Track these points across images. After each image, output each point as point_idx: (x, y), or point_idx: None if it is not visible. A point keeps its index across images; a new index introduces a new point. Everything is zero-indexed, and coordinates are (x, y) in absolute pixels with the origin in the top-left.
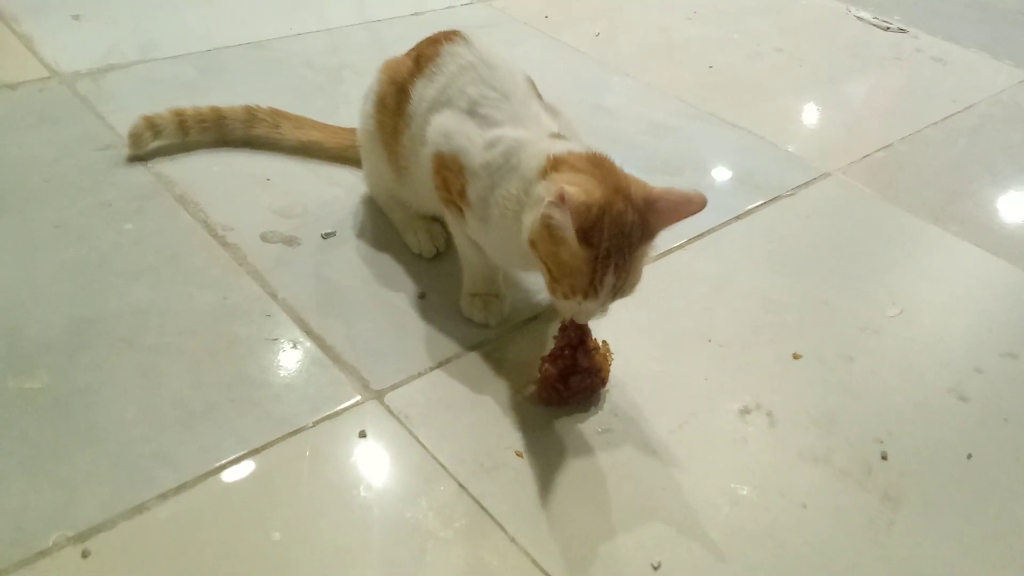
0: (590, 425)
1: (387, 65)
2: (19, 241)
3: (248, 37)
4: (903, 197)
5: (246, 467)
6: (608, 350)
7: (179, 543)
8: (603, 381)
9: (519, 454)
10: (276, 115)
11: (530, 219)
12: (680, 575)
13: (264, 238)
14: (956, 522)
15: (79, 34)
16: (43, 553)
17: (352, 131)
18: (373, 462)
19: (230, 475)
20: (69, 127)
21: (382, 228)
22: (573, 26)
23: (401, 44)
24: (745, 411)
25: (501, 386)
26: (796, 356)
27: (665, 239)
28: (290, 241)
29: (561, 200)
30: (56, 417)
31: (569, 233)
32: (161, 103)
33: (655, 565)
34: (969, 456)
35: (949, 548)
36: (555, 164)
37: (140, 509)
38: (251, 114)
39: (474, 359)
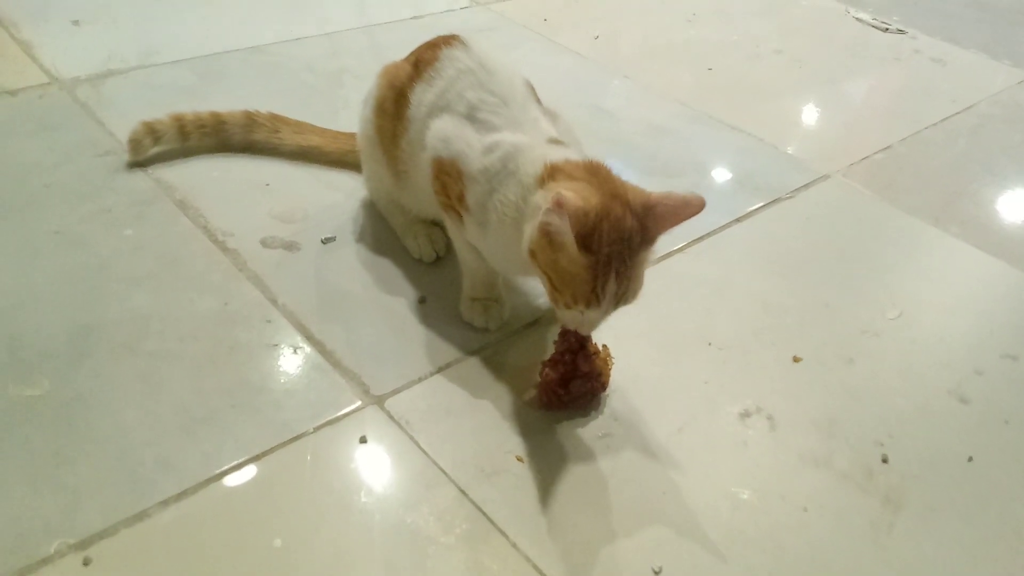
0: (590, 430)
1: (386, 70)
2: (19, 247)
3: (248, 42)
4: (903, 198)
5: (247, 473)
6: (608, 354)
7: (180, 550)
8: (603, 386)
9: (520, 459)
10: (276, 120)
11: (529, 229)
12: None
13: (264, 243)
14: (957, 525)
15: (79, 39)
16: (45, 560)
17: (352, 136)
18: (374, 468)
19: (231, 481)
20: (69, 133)
21: (382, 233)
22: (572, 29)
23: (400, 48)
24: (745, 414)
25: (501, 391)
26: (796, 359)
27: (665, 242)
28: (290, 246)
29: (559, 206)
30: (57, 424)
31: (568, 239)
32: (161, 108)
33: (656, 570)
34: (970, 459)
35: (950, 551)
36: (552, 173)
37: (141, 516)
38: (251, 119)
39: (474, 364)
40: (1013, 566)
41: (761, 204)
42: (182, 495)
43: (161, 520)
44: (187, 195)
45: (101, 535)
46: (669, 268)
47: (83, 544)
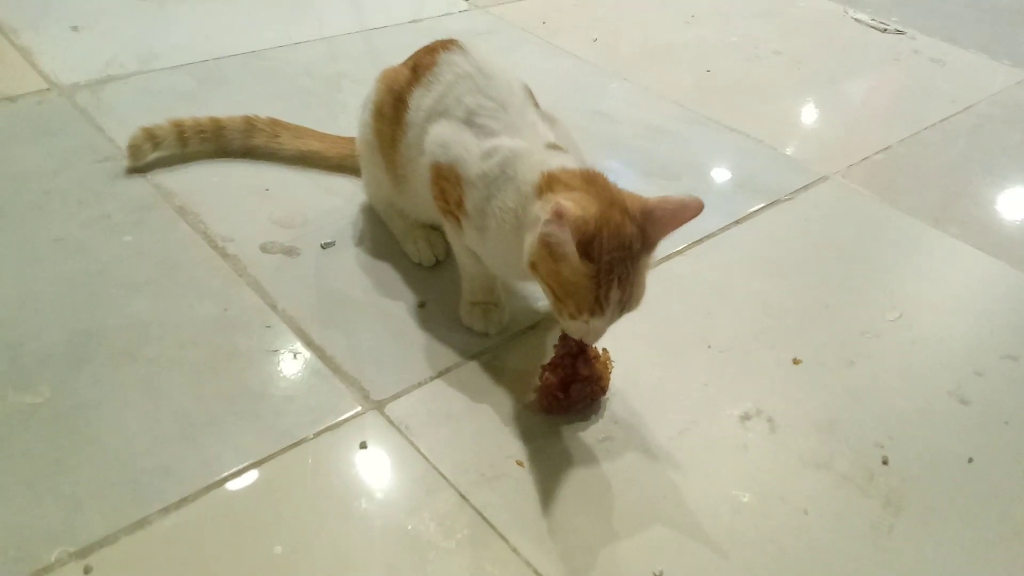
0: (591, 433)
1: (385, 74)
2: (19, 254)
3: (246, 47)
4: (902, 199)
5: (248, 480)
6: (608, 358)
7: (181, 557)
8: (603, 389)
9: (520, 463)
10: (275, 125)
11: (529, 240)
12: None
13: (264, 248)
14: (958, 526)
15: (78, 45)
16: (45, 569)
17: (351, 140)
18: (374, 473)
19: (232, 488)
20: (68, 139)
21: (381, 237)
22: (570, 31)
23: (399, 52)
24: (746, 417)
25: (501, 395)
26: (796, 361)
27: (664, 244)
28: (290, 251)
29: (558, 217)
30: (58, 432)
31: (569, 248)
32: (160, 114)
33: (657, 573)
34: (970, 460)
35: (951, 553)
36: (549, 182)
37: (142, 524)
38: (250, 124)
39: (474, 368)
40: (1014, 567)
41: (760, 206)
42: (183, 502)
43: (162, 527)
44: (187, 201)
45: (102, 543)
46: (669, 270)
47: (84, 552)
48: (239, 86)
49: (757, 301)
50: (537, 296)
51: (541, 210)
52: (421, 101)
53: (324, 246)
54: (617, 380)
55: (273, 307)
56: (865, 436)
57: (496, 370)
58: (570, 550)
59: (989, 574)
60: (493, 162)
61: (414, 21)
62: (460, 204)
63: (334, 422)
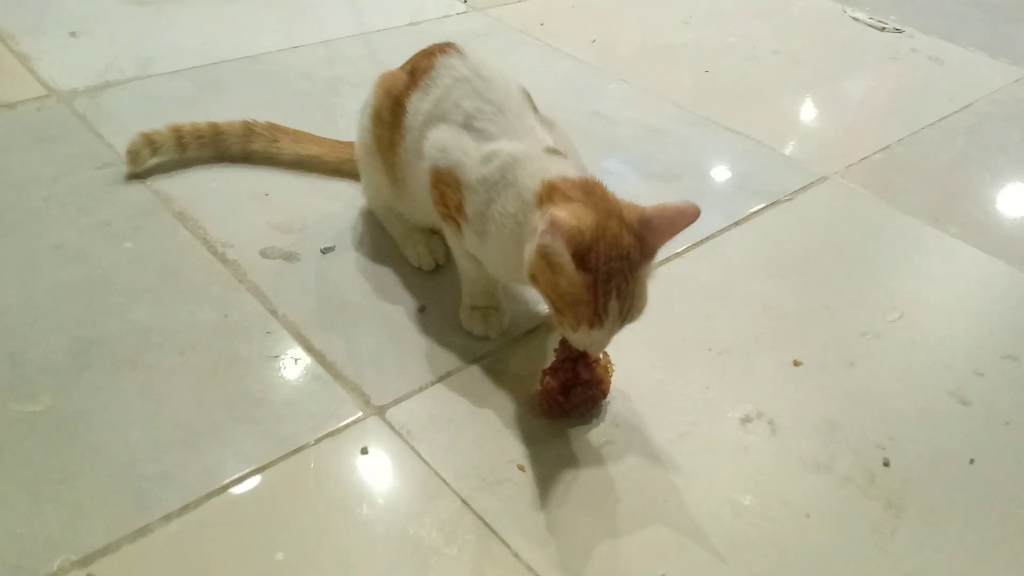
0: (592, 437)
1: (383, 78)
2: (19, 262)
3: (245, 51)
4: (901, 199)
5: (249, 486)
6: (609, 361)
7: (183, 565)
8: (604, 393)
9: (521, 468)
10: (274, 129)
11: (528, 251)
12: None
13: (264, 254)
14: (959, 528)
15: (76, 51)
16: None
17: (350, 144)
18: (376, 479)
19: (233, 495)
20: (67, 145)
21: (381, 241)
22: (568, 33)
23: (397, 54)
24: (747, 419)
25: (502, 399)
26: (797, 363)
27: (664, 247)
28: (290, 257)
29: (553, 227)
30: (59, 440)
31: (564, 258)
32: (159, 119)
33: None
34: (971, 461)
35: (953, 554)
36: (549, 193)
37: (144, 531)
38: (249, 129)
39: (475, 372)
40: (1016, 568)
41: (760, 207)
42: (184, 509)
43: (163, 535)
44: (186, 206)
45: (104, 551)
46: (668, 273)
47: (86, 561)
48: (238, 91)
49: (757, 303)
50: (537, 300)
51: (540, 220)
52: (419, 105)
53: (324, 251)
54: (618, 383)
55: (273, 312)
56: (866, 438)
57: (497, 374)
58: (572, 554)
59: (991, 575)
60: (493, 166)
61: (412, 24)
62: (460, 208)
63: (335, 428)
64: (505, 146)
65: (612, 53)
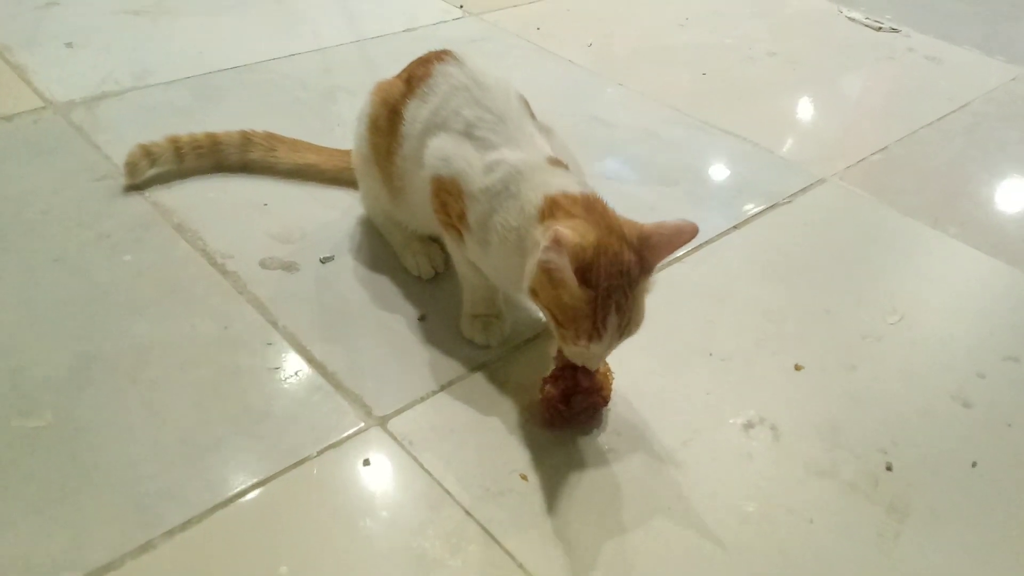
0: (594, 445)
1: (379, 87)
2: (19, 276)
3: (241, 60)
4: (900, 200)
5: (251, 500)
6: (608, 368)
7: None
8: (605, 400)
9: (524, 477)
10: (272, 139)
11: (530, 266)
12: None
13: (263, 264)
14: (963, 531)
15: (73, 62)
16: None
17: (347, 152)
18: (378, 490)
19: (236, 509)
20: (65, 158)
21: (380, 250)
22: (565, 36)
23: (394, 61)
24: (749, 425)
25: (504, 408)
26: (798, 367)
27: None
28: (289, 267)
29: (556, 243)
30: (61, 456)
31: (568, 275)
32: (156, 130)
33: None
34: (974, 464)
35: (957, 557)
36: (551, 208)
37: (147, 547)
38: (247, 138)
39: (476, 381)
40: (1019, 570)
41: (759, 210)
42: (187, 524)
43: (167, 551)
44: (185, 218)
45: (107, 568)
46: (669, 277)
47: None
48: (234, 100)
49: (757, 307)
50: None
51: (542, 236)
52: (417, 113)
53: (323, 260)
54: (619, 390)
55: (274, 324)
56: (868, 442)
57: (499, 382)
58: (576, 563)
59: None
60: (495, 177)
61: (408, 30)
62: (462, 217)
63: (337, 439)
64: (508, 156)
65: (609, 56)
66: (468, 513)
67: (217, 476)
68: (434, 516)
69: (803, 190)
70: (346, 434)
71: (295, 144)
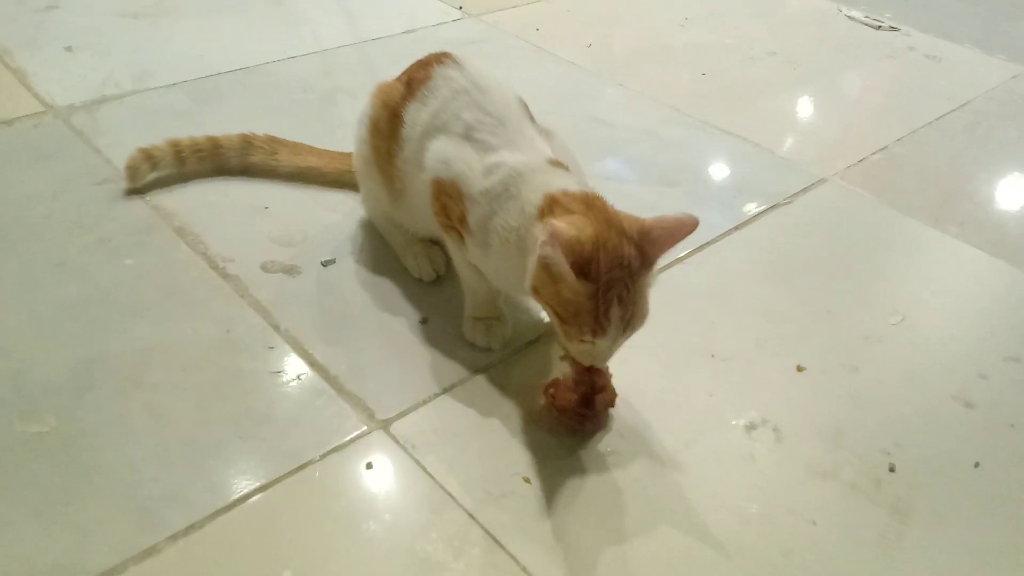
0: (597, 447)
1: (379, 89)
2: (21, 281)
3: (241, 63)
4: (901, 200)
5: (254, 504)
6: (607, 368)
7: None
8: (612, 401)
9: (527, 480)
10: (272, 142)
11: (531, 264)
12: None
13: (264, 268)
14: (966, 532)
15: (72, 66)
16: None
17: (348, 155)
18: (381, 494)
19: (239, 513)
20: (66, 162)
21: (381, 253)
22: (564, 37)
23: (394, 63)
24: (751, 427)
25: (507, 410)
26: (800, 368)
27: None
28: (290, 270)
29: (552, 238)
30: (65, 460)
31: (564, 268)
32: (156, 133)
33: None
34: (977, 464)
35: (960, 559)
36: (550, 206)
37: (150, 552)
38: (247, 142)
39: (479, 384)
40: (1023, 571)
41: (760, 210)
42: (190, 529)
43: (170, 555)
44: (186, 221)
45: (111, 572)
46: (670, 278)
47: None
48: (235, 103)
49: (759, 308)
50: (539, 308)
51: (541, 232)
52: (417, 116)
53: (324, 263)
54: (621, 392)
55: (275, 327)
56: (871, 443)
57: (501, 385)
58: (579, 566)
59: None
60: (495, 179)
61: (408, 32)
62: (463, 220)
63: (340, 443)
64: (508, 158)
65: (608, 57)
66: (471, 516)
67: (220, 480)
68: (437, 519)
69: (804, 190)
70: (348, 437)
71: (296, 147)
